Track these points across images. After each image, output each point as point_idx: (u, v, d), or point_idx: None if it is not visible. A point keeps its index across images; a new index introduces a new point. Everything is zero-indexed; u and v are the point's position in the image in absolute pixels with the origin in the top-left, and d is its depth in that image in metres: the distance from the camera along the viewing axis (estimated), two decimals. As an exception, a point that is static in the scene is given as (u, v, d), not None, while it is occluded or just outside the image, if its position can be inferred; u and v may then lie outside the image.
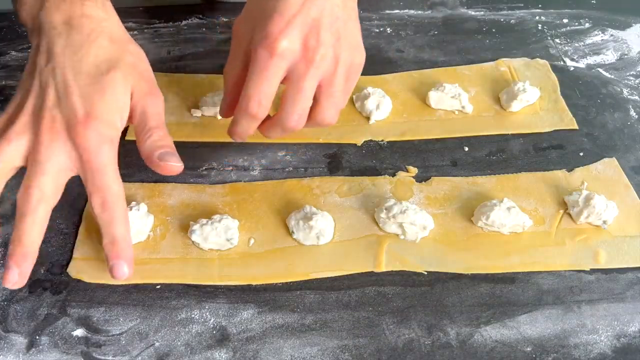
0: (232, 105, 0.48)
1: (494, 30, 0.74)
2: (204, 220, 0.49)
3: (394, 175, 0.56)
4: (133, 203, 0.50)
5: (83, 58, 0.44)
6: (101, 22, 0.47)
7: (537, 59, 0.69)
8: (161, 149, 0.45)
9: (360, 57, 0.49)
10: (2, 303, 0.45)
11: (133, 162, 0.55)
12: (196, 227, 0.49)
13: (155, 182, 0.54)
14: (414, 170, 0.56)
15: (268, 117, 0.48)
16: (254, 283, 0.47)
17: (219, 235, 0.48)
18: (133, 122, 0.46)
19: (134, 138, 0.58)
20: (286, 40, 0.43)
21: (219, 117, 0.59)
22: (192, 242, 0.49)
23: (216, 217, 0.49)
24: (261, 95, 0.45)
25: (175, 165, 0.45)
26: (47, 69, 0.44)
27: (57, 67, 0.44)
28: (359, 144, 0.59)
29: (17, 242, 0.41)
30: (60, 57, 0.44)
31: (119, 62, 0.45)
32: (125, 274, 0.43)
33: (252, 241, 0.50)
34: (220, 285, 0.47)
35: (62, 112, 0.43)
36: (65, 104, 0.43)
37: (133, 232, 0.49)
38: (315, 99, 0.47)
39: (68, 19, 0.45)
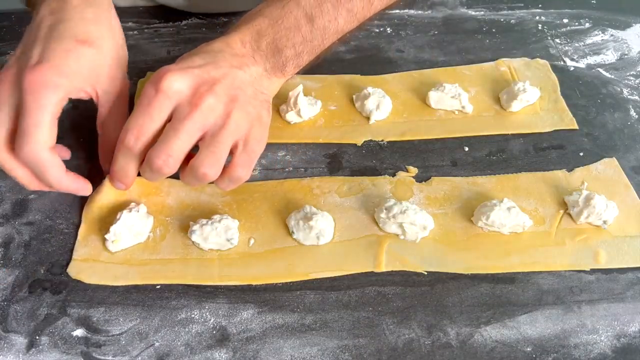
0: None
1: (494, 30, 0.74)
2: (204, 221, 0.49)
3: (394, 175, 0.56)
4: (132, 204, 0.50)
5: (63, 32, 0.45)
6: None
7: (537, 59, 0.69)
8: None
9: (260, 130, 0.47)
10: (2, 303, 0.45)
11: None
12: (196, 227, 0.49)
13: None
14: (414, 170, 0.56)
15: None
16: (254, 283, 0.47)
17: (219, 235, 0.48)
18: (99, 108, 0.47)
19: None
20: (174, 80, 0.43)
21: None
22: (192, 242, 0.49)
23: (216, 217, 0.49)
24: (139, 130, 0.44)
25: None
26: (31, 31, 0.46)
27: (39, 31, 0.45)
28: (359, 144, 0.59)
29: None
30: (44, 24, 0.46)
31: (98, 40, 0.46)
32: (86, 193, 0.49)
33: (252, 241, 0.50)
34: (220, 285, 0.47)
35: (20, 61, 0.44)
36: (26, 54, 0.44)
37: (133, 234, 0.49)
38: (199, 149, 0.45)
39: None
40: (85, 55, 0.45)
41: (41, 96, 0.43)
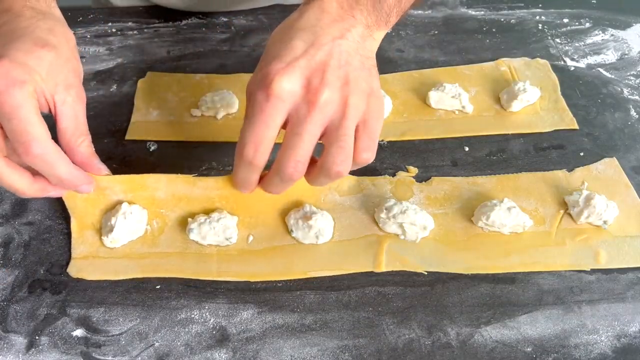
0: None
1: (494, 30, 0.74)
2: (202, 219, 0.49)
3: (394, 175, 0.56)
4: (124, 206, 0.48)
5: (21, 36, 0.44)
6: (44, 12, 0.47)
7: (538, 58, 0.69)
8: (96, 157, 0.47)
9: (377, 104, 0.43)
10: (2, 303, 0.45)
11: (133, 162, 0.55)
12: (194, 225, 0.48)
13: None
14: (414, 170, 0.56)
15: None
16: (252, 280, 0.47)
17: (217, 234, 0.48)
18: (60, 120, 0.45)
19: (134, 138, 0.58)
20: (284, 81, 0.40)
21: (219, 117, 0.59)
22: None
23: (214, 215, 0.49)
24: (257, 141, 0.41)
25: (106, 174, 0.48)
26: None
27: None
28: (359, 143, 0.59)
29: None
30: None
31: (57, 47, 0.44)
32: (90, 190, 0.47)
33: (250, 238, 0.50)
34: (220, 286, 0.47)
35: None
36: None
37: (130, 231, 0.48)
38: (324, 146, 0.43)
39: (9, 7, 0.46)
40: (44, 58, 0.43)
41: (12, 96, 0.41)
